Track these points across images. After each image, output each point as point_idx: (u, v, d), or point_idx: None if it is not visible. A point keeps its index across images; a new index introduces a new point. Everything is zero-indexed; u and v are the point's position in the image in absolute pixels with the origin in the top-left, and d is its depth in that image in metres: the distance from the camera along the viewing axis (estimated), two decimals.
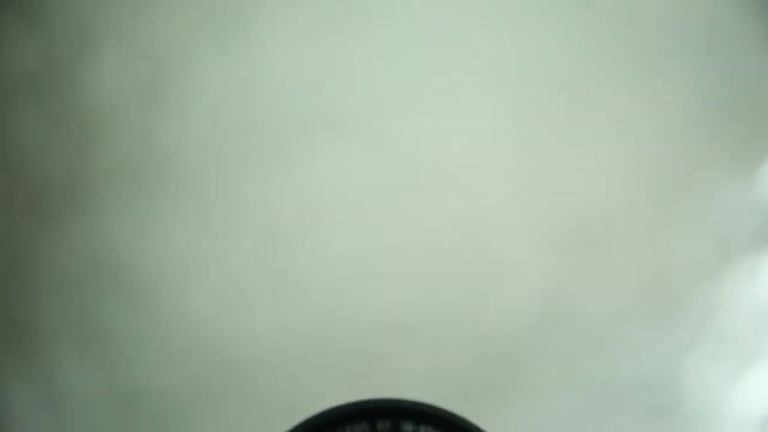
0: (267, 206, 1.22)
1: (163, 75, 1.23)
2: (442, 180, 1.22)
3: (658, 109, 1.24)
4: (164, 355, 1.18)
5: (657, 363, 1.21)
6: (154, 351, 1.19)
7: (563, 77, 1.25)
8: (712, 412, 1.21)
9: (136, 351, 1.19)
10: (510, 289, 1.21)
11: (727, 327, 1.22)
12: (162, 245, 1.21)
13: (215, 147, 1.22)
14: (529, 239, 1.21)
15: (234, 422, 1.15)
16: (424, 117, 1.24)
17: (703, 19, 1.26)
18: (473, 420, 0.55)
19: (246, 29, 1.23)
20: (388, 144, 1.23)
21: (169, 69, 1.24)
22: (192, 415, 1.17)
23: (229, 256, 1.21)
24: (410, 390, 0.56)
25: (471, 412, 0.56)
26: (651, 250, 1.23)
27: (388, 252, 1.20)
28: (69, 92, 1.23)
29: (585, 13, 1.25)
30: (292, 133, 1.22)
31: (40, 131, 1.22)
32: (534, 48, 1.25)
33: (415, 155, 1.22)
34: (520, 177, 1.23)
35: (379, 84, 1.25)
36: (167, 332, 1.19)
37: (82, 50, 1.24)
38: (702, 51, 1.26)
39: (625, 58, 1.25)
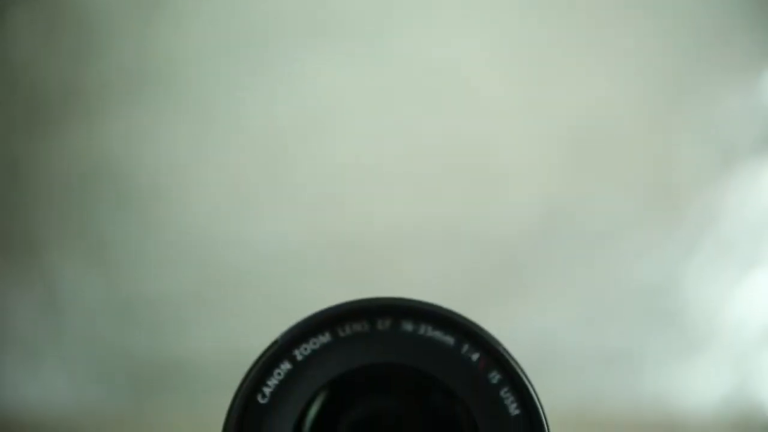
0: (267, 114, 1.21)
1: None
2: (444, 88, 1.21)
3: (660, 18, 1.23)
4: (163, 262, 1.19)
5: (657, 269, 1.22)
6: (153, 257, 1.19)
7: None
8: (712, 319, 1.21)
9: (136, 257, 1.19)
10: (511, 195, 1.21)
11: (728, 234, 1.22)
12: (161, 153, 1.20)
13: (214, 55, 1.21)
14: (531, 146, 1.21)
15: (232, 326, 1.15)
16: (426, 25, 1.23)
17: None
18: None
19: None
20: (389, 52, 1.22)
21: None
22: (191, 320, 1.17)
23: (229, 164, 1.20)
24: (410, 294, 0.56)
25: (471, 316, 0.56)
26: (652, 156, 1.23)
27: (389, 159, 1.20)
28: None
29: None
30: (293, 42, 1.21)
31: (35, 39, 1.21)
32: None
33: (416, 63, 1.21)
34: (521, 86, 1.22)
35: None
36: (166, 239, 1.19)
37: None
38: None
39: None
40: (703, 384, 1.19)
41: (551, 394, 0.53)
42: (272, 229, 1.19)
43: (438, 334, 0.52)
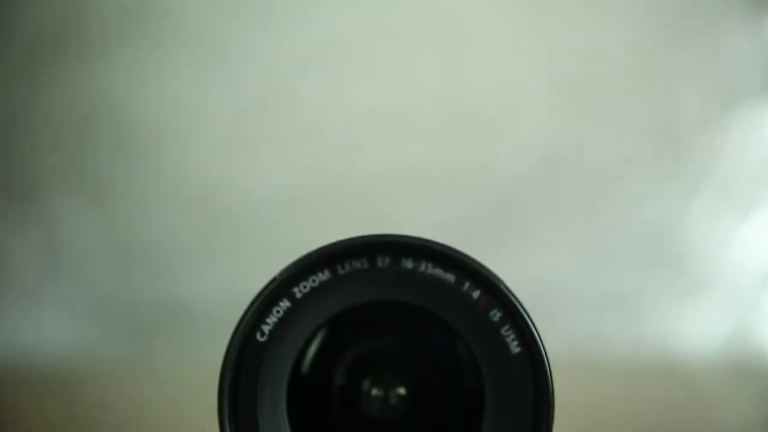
0: (268, 54, 1.20)
1: None
2: (447, 28, 1.20)
3: None
4: (163, 204, 1.18)
5: (659, 212, 1.21)
6: (153, 198, 1.19)
7: None
8: (713, 262, 1.21)
9: (136, 199, 1.19)
10: (512, 137, 1.20)
11: (730, 176, 1.22)
12: (161, 96, 1.20)
13: None
14: (532, 88, 1.20)
15: (232, 268, 1.15)
16: None
17: None
18: None
19: None
20: None
21: None
22: (190, 262, 1.17)
23: (229, 104, 1.20)
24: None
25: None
26: (653, 99, 1.22)
27: (391, 100, 1.19)
28: None
29: None
30: None
31: None
32: None
33: (417, 5, 1.20)
34: (523, 27, 1.21)
35: None
36: (166, 180, 1.19)
37: None
38: None
39: None
40: (703, 327, 1.19)
41: (551, 336, 0.53)
42: (273, 171, 1.18)
43: (438, 272, 0.52)
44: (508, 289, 0.51)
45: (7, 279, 1.20)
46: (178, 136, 1.19)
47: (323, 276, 0.52)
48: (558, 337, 0.55)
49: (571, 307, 1.18)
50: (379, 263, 0.52)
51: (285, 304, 0.52)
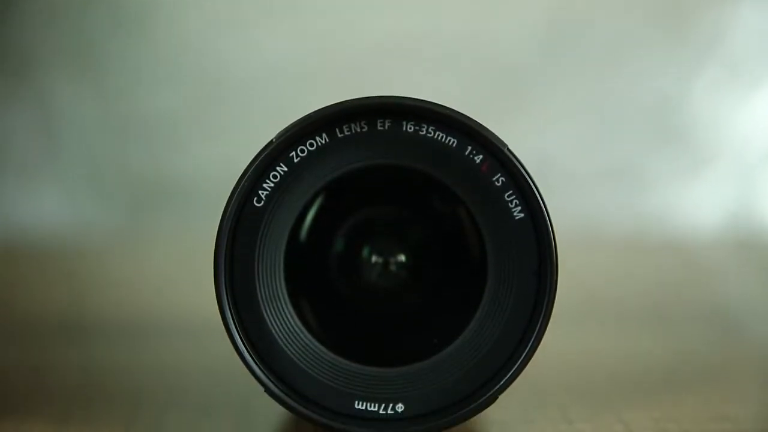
0: None
1: None
2: None
3: None
4: (160, 79, 1.18)
5: (664, 86, 1.21)
6: (149, 73, 1.19)
7: None
8: (717, 137, 1.21)
9: (132, 74, 1.19)
10: (517, 8, 1.19)
11: (737, 52, 1.21)
12: None
13: None
14: None
15: (229, 141, 1.15)
16: None
17: None
18: None
19: None
20: None
21: None
22: (187, 135, 1.18)
23: None
24: None
25: None
26: None
27: None
28: None
29: None
30: None
31: None
32: None
33: None
34: None
35: None
36: (163, 55, 1.19)
37: None
38: None
39: None
40: (706, 202, 1.19)
41: (554, 212, 0.51)
42: (269, 45, 1.18)
43: (440, 135, 0.50)
44: (512, 153, 0.50)
45: (4, 156, 1.20)
46: (173, 10, 1.18)
47: (321, 140, 0.50)
48: (560, 213, 0.54)
49: (572, 181, 1.18)
50: (380, 126, 0.50)
51: (282, 168, 0.50)
